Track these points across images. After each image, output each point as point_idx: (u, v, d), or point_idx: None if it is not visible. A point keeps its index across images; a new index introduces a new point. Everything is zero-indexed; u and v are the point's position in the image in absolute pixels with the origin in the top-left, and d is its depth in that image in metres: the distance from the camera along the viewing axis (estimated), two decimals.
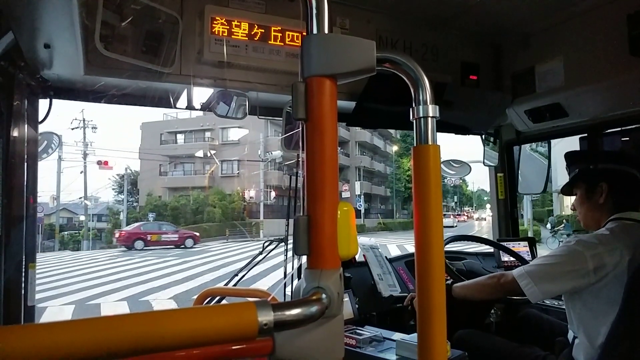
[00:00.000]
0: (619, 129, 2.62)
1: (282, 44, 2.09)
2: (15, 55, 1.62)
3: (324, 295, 0.65)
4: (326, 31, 0.71)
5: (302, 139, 0.71)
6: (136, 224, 28.43)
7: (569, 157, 2.06)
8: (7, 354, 0.45)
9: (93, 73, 1.78)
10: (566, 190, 2.03)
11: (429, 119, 0.80)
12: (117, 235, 26.86)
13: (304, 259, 0.70)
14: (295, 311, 0.62)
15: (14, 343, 0.46)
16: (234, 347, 0.74)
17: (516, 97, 2.73)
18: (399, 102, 2.24)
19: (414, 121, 0.81)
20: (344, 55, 0.70)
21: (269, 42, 2.07)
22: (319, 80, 0.69)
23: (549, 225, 25.78)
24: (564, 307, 1.95)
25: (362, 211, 40.73)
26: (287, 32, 2.09)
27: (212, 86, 2.03)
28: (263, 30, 2.05)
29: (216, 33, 1.96)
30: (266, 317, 0.58)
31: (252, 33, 2.03)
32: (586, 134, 2.70)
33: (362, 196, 41.48)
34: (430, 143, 0.80)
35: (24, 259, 1.76)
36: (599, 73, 2.27)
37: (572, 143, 2.83)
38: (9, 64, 1.61)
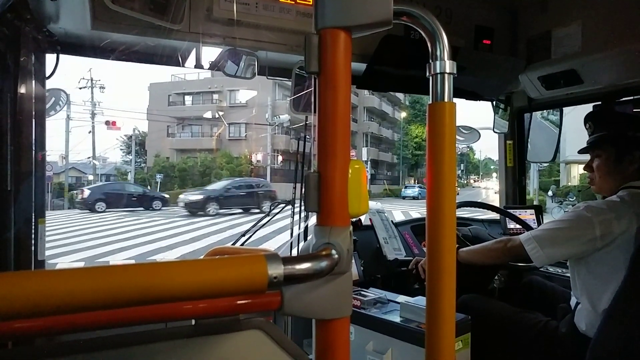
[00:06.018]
0: (632, 97, 2.56)
1: (293, 2, 2.04)
2: (20, 7, 1.59)
3: (333, 251, 0.65)
4: None
5: (314, 94, 0.69)
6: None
7: (597, 117, 2.01)
8: (18, 298, 0.46)
9: (100, 28, 1.75)
10: (586, 150, 1.97)
11: (446, 75, 0.77)
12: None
13: (311, 221, 0.69)
14: (305, 265, 0.61)
15: (24, 288, 0.47)
16: (241, 302, 0.74)
17: (530, 63, 2.67)
18: (410, 65, 2.20)
19: (430, 77, 0.78)
20: (360, 7, 0.66)
21: (280, 0, 2.02)
22: (333, 32, 0.66)
23: (550, 193, 25.77)
24: (567, 274, 1.96)
25: (369, 177, 40.72)
26: None
27: (221, 44, 2.00)
28: None
29: None
30: (276, 270, 0.58)
31: None
32: (599, 102, 2.65)
33: (369, 162, 41.42)
34: (446, 100, 0.77)
35: (33, 215, 1.77)
36: (618, 39, 2.20)
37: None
38: (14, 16, 1.58)
